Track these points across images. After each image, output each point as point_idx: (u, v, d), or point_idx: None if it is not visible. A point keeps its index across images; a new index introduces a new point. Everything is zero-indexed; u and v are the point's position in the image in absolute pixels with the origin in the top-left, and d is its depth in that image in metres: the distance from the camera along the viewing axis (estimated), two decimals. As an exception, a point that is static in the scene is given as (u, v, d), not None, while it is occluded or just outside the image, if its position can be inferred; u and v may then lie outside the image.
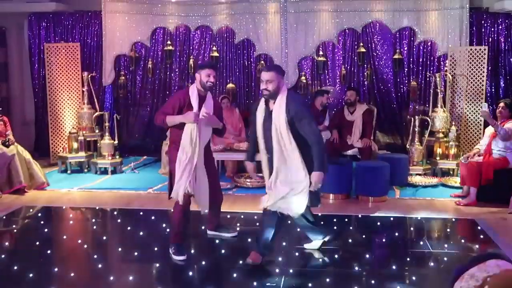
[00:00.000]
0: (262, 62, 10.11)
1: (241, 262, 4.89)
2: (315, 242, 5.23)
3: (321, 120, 8.75)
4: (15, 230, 6.17)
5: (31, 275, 4.60)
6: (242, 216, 6.48)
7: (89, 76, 9.53)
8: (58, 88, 9.74)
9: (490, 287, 1.34)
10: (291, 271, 4.78)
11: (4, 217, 6.49)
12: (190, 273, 4.70)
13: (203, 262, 4.99)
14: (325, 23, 9.88)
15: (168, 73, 10.42)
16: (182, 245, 5.16)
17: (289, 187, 4.61)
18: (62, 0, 10.18)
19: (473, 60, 8.99)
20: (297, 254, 5.28)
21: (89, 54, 10.44)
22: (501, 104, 7.29)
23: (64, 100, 9.79)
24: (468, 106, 9.03)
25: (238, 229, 5.88)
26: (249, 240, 5.53)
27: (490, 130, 7.29)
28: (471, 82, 9.00)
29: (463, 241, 5.86)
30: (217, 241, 5.57)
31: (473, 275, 1.41)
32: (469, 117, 9.03)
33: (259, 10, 9.97)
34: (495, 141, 7.18)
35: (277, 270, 4.77)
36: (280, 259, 5.05)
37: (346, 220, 6.39)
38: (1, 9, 10.04)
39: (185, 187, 4.98)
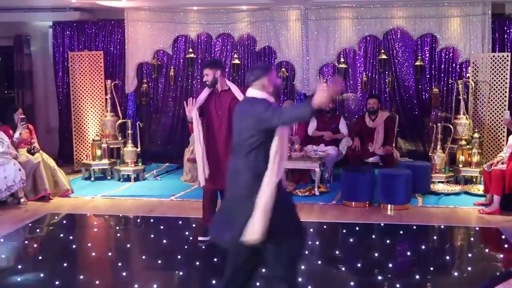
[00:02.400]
0: (284, 69, 10.13)
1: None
2: None
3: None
4: (40, 237, 6.26)
5: (56, 282, 4.67)
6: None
7: (112, 84, 9.64)
8: (82, 95, 9.87)
9: None
10: (311, 278, 4.79)
11: (30, 225, 6.59)
12: (213, 281, 4.72)
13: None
14: (346, 30, 9.87)
15: (189, 80, 10.48)
16: (207, 228, 5.36)
17: None
18: (85, 9, 10.30)
19: (495, 67, 8.92)
20: (319, 262, 5.29)
21: (112, 62, 10.55)
22: (524, 112, 7.24)
23: (87, 107, 9.91)
24: (491, 113, 8.96)
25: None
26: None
27: (514, 137, 7.24)
28: (494, 89, 8.93)
29: (487, 250, 5.82)
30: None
31: None
32: (492, 124, 8.96)
33: (280, 18, 9.99)
34: (518, 149, 7.12)
35: (299, 279, 4.78)
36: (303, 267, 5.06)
37: (368, 228, 6.37)
38: (26, 18, 10.19)
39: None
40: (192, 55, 10.29)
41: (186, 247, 5.66)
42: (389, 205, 7.17)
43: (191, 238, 5.95)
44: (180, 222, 6.58)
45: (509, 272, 1.45)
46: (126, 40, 10.27)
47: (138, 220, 6.86)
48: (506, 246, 5.74)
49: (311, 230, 5.91)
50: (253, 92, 3.77)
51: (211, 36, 10.30)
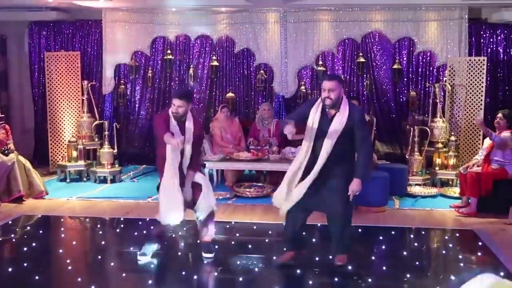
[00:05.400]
0: (262, 71, 10.13)
1: (241, 271, 4.89)
2: None
3: None
4: (14, 239, 6.15)
5: (29, 284, 4.59)
6: (240, 226, 6.46)
7: (89, 84, 9.55)
8: (58, 96, 9.75)
9: None
10: (290, 282, 4.77)
11: (3, 226, 6.48)
12: (191, 283, 4.68)
13: (204, 272, 4.99)
14: (324, 33, 9.90)
15: (168, 82, 10.43)
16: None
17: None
18: (63, 9, 10.20)
19: (472, 71, 9.01)
20: (293, 265, 5.28)
21: (89, 63, 10.46)
22: (499, 115, 7.32)
23: (63, 108, 9.80)
24: (467, 117, 9.04)
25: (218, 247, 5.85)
26: (249, 249, 5.53)
27: (488, 140, 7.31)
28: (470, 93, 9.02)
29: (462, 252, 5.85)
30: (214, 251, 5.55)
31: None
32: (468, 128, 9.04)
33: (259, 20, 9.99)
34: (493, 151, 7.19)
35: (277, 281, 4.76)
36: (280, 269, 5.04)
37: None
38: (1, 17, 10.05)
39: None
40: (170, 57, 10.25)
41: (162, 249, 5.60)
42: (366, 208, 7.19)
43: (167, 239, 5.90)
44: (156, 224, 6.50)
45: (479, 271, 1.48)
46: (103, 41, 10.19)
47: (114, 222, 6.79)
48: (481, 248, 5.78)
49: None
50: None
51: (190, 37, 10.27)
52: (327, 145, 4.80)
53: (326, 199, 4.87)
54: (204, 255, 5.28)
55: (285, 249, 5.17)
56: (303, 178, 4.90)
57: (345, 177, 4.85)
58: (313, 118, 4.93)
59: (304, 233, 5.31)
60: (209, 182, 5.51)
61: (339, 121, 4.80)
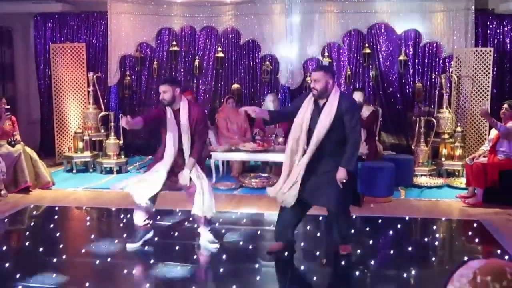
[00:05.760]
0: (267, 63, 10.12)
1: (246, 261, 4.91)
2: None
3: None
4: (20, 229, 6.19)
5: (37, 274, 4.61)
6: (246, 217, 6.48)
7: (95, 76, 9.56)
8: (64, 88, 9.78)
9: (482, 274, 1.42)
10: (294, 272, 4.78)
11: (10, 217, 6.51)
12: (197, 274, 4.70)
13: (209, 262, 5.02)
14: (330, 24, 9.87)
15: (173, 73, 10.44)
16: None
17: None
18: (68, 1, 10.20)
19: (478, 62, 8.97)
20: (299, 255, 5.29)
21: (95, 55, 10.47)
22: (505, 105, 7.29)
23: (69, 100, 9.82)
24: (473, 107, 9.01)
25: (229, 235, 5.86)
26: (255, 240, 5.53)
27: (495, 131, 7.28)
28: (477, 83, 8.99)
29: (468, 242, 5.85)
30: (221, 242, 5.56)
31: (462, 274, 1.50)
32: (475, 118, 9.02)
33: (264, 11, 9.96)
34: (499, 142, 7.17)
35: (282, 271, 4.77)
36: (285, 255, 5.05)
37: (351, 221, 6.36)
38: (7, 9, 10.05)
39: None
40: (175, 48, 10.25)
41: (167, 238, 5.62)
42: (372, 198, 7.19)
43: (173, 229, 5.92)
44: (162, 214, 6.53)
45: (464, 261, 1.50)
46: (109, 32, 10.19)
47: (120, 212, 6.80)
48: (487, 238, 5.77)
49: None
50: None
51: (195, 29, 10.26)
52: (317, 136, 4.80)
53: (321, 192, 4.86)
54: (210, 245, 5.29)
55: (275, 239, 5.23)
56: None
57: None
58: (306, 108, 4.93)
59: (295, 227, 5.27)
60: (207, 188, 5.29)
61: (328, 111, 4.79)
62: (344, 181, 4.75)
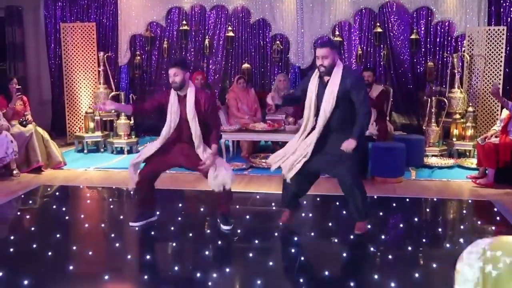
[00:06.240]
0: (278, 42, 10.07)
1: (256, 241, 4.93)
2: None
3: None
4: (33, 209, 6.25)
5: (49, 253, 4.66)
6: (257, 196, 6.50)
7: (105, 56, 9.56)
8: (74, 68, 9.79)
9: (492, 249, 1.42)
10: (304, 252, 4.81)
11: (23, 196, 6.57)
12: (206, 252, 4.73)
13: (219, 242, 5.04)
14: (341, 3, 9.78)
15: (183, 53, 10.42)
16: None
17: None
18: (77, -20, 10.18)
19: (491, 41, 8.88)
20: (312, 234, 5.30)
21: (105, 34, 10.46)
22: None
23: (80, 80, 9.84)
24: (485, 87, 8.94)
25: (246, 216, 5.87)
26: (265, 220, 5.56)
27: (506, 111, 7.23)
28: (489, 63, 8.90)
29: (479, 222, 5.85)
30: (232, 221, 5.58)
31: (471, 251, 1.49)
32: (487, 98, 8.94)
33: (274, -10, 9.90)
34: (510, 122, 7.11)
35: (292, 250, 4.80)
36: (295, 239, 5.07)
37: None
38: (17, -12, 10.06)
39: None
40: (185, 27, 10.21)
41: (179, 218, 5.65)
42: (383, 178, 7.18)
43: (183, 209, 5.95)
44: (172, 194, 6.57)
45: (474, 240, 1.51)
46: (118, 12, 10.17)
47: (131, 192, 6.84)
48: (498, 219, 5.76)
49: (304, 202, 5.91)
50: None
51: (205, 8, 10.21)
52: (324, 112, 4.83)
53: (332, 165, 4.92)
54: (223, 226, 5.30)
55: (281, 205, 5.43)
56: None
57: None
58: (312, 87, 4.97)
59: (300, 197, 5.40)
60: (221, 163, 5.27)
61: (332, 87, 4.81)
62: (351, 151, 4.75)
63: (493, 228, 5.55)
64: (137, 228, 5.35)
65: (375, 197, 6.47)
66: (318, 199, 6.37)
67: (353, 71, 5.38)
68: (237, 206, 5.93)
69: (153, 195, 5.49)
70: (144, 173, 5.34)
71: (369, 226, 5.23)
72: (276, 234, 5.24)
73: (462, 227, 5.67)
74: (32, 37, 10.85)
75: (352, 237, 5.08)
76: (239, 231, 5.28)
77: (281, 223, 5.31)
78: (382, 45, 9.93)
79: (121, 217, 5.91)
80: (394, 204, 6.25)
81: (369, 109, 4.93)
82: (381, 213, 5.90)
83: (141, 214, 5.46)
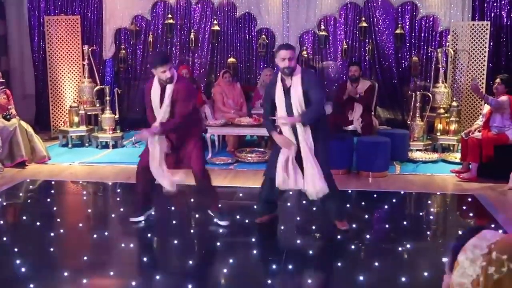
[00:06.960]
0: (264, 36, 10.06)
1: (242, 235, 4.94)
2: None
3: None
4: (17, 204, 6.21)
5: (33, 248, 4.64)
6: (242, 191, 6.51)
7: (90, 49, 9.48)
8: (59, 61, 9.71)
9: (498, 251, 1.40)
10: (290, 246, 4.82)
11: (7, 191, 6.52)
12: (196, 248, 4.73)
13: (205, 237, 5.05)
14: (327, -3, 9.80)
15: (168, 46, 10.37)
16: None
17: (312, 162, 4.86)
18: (61, -28, 10.08)
19: (475, 36, 8.94)
20: (295, 231, 5.33)
21: (89, 27, 10.38)
22: (497, 80, 7.30)
23: (64, 73, 9.76)
24: (469, 82, 8.99)
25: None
26: (250, 214, 5.57)
27: (488, 106, 7.30)
28: (473, 58, 8.96)
29: (462, 216, 5.90)
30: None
31: (476, 245, 1.47)
32: (470, 93, 9.00)
33: (260, -17, 9.88)
34: (492, 117, 7.19)
35: (278, 246, 4.81)
36: (280, 233, 5.09)
37: (347, 195, 6.40)
38: (0, -20, 9.95)
39: None
40: (171, 21, 10.17)
41: (163, 212, 5.64)
42: (367, 173, 7.22)
43: (169, 203, 5.95)
44: (158, 189, 6.54)
45: (474, 228, 1.49)
46: (103, 5, 10.11)
47: (116, 187, 6.83)
48: (481, 213, 5.82)
49: (288, 198, 5.93)
50: None
51: (191, 1, 10.18)
52: (298, 112, 4.87)
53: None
54: (220, 222, 5.29)
55: (258, 212, 5.40)
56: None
57: (320, 143, 4.93)
58: (279, 94, 4.97)
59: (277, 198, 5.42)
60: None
61: (295, 89, 4.88)
62: (285, 121, 4.85)
63: (476, 222, 5.61)
64: (142, 223, 5.33)
65: (360, 191, 6.50)
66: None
67: (310, 71, 5.50)
68: (223, 201, 5.92)
69: (152, 188, 5.44)
70: (139, 167, 5.34)
71: (352, 224, 5.26)
72: (261, 228, 5.25)
73: (445, 221, 5.73)
74: (15, 30, 10.74)
75: (336, 232, 5.10)
76: (220, 226, 5.28)
77: (258, 221, 5.35)
78: (367, 40, 9.96)
79: (105, 211, 5.89)
80: (378, 198, 6.30)
81: (322, 107, 5.01)
82: (366, 207, 5.93)
83: (141, 208, 5.43)
